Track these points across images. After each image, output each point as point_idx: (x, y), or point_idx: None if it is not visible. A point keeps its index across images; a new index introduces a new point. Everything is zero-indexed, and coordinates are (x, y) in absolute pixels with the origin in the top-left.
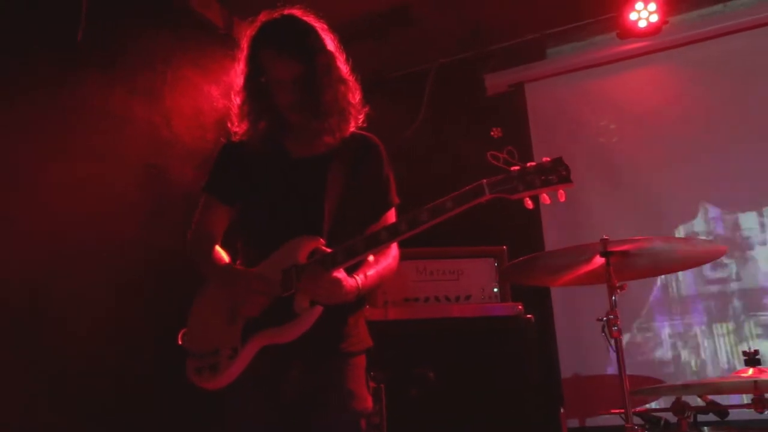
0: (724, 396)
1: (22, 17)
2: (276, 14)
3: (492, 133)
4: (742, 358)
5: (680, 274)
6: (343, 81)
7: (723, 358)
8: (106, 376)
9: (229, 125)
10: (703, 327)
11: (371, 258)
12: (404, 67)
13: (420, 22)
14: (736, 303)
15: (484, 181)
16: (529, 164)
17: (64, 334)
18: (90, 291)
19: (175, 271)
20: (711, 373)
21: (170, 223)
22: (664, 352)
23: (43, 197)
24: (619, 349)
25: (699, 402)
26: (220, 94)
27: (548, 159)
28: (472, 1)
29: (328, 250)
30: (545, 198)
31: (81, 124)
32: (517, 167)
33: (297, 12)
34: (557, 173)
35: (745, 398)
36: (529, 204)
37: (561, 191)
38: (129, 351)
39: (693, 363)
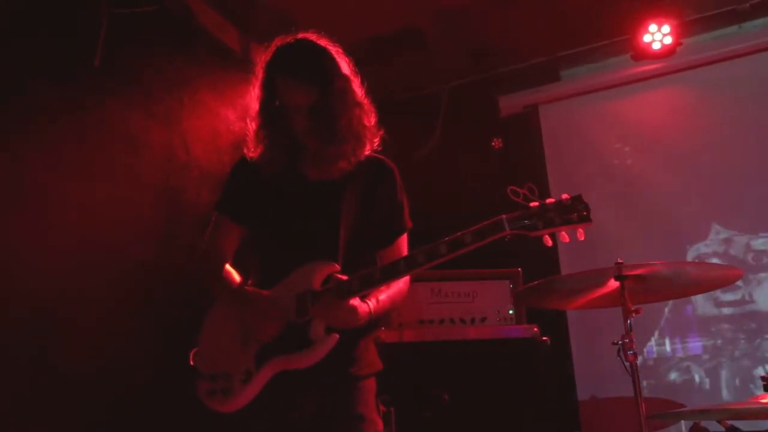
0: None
1: (44, 41)
2: (290, 39)
3: (493, 144)
4: (758, 381)
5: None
6: (358, 105)
7: (737, 382)
8: (116, 388)
9: (245, 151)
10: (717, 350)
11: None
12: (416, 89)
13: (431, 44)
14: (750, 325)
15: (504, 216)
16: (548, 201)
17: (74, 345)
18: (102, 306)
19: (187, 290)
20: (726, 397)
21: (184, 244)
22: (678, 376)
23: (61, 214)
24: (634, 373)
25: (718, 427)
26: (236, 117)
27: (567, 196)
28: (484, 24)
29: (344, 277)
30: (564, 236)
31: (100, 146)
32: (536, 203)
33: (311, 36)
34: (577, 212)
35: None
36: (548, 241)
37: (580, 230)
38: (139, 364)
39: (707, 386)
